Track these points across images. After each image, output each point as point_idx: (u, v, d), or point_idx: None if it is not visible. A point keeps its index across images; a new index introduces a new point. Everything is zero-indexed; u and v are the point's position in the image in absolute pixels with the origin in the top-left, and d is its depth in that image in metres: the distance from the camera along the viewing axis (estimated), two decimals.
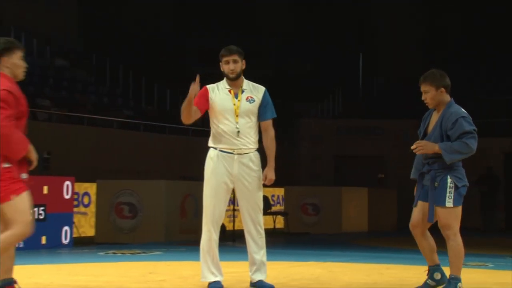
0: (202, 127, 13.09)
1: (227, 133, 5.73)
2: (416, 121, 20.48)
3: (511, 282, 6.55)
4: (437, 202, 5.29)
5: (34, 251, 9.78)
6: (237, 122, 5.74)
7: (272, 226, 14.54)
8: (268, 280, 5.87)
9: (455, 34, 28.05)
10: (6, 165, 4.82)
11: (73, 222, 11.00)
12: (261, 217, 5.89)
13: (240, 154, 5.74)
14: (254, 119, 5.83)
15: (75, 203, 11.91)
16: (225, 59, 5.78)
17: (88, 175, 12.42)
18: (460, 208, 5.37)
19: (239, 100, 5.78)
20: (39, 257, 9.03)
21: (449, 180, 5.29)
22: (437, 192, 5.29)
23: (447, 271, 5.56)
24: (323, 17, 28.75)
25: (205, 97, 5.75)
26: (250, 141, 5.78)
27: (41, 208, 10.23)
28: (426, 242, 5.56)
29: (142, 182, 12.55)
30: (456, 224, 5.35)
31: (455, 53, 26.29)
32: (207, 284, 5.67)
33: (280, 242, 12.41)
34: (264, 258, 5.86)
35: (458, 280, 5.37)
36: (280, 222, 15.45)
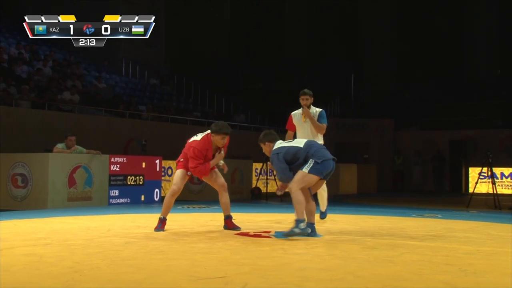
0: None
1: (301, 138, 6.49)
2: (389, 120, 20.36)
3: (454, 227, 6.50)
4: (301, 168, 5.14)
5: (136, 205, 9.96)
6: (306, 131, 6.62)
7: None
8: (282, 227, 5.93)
9: (421, 61, 27.51)
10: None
11: (161, 186, 11.11)
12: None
13: None
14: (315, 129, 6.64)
15: (162, 174, 12.04)
16: (302, 97, 6.54)
17: (171, 155, 12.53)
18: (312, 176, 5.11)
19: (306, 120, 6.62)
20: (140, 209, 9.18)
21: (310, 160, 5.10)
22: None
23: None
24: (328, 48, 28.54)
25: (291, 121, 6.69)
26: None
27: (141, 176, 10.41)
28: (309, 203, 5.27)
29: None
30: (302, 184, 5.10)
31: (420, 76, 25.89)
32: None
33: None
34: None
35: (301, 221, 5.09)
36: None
